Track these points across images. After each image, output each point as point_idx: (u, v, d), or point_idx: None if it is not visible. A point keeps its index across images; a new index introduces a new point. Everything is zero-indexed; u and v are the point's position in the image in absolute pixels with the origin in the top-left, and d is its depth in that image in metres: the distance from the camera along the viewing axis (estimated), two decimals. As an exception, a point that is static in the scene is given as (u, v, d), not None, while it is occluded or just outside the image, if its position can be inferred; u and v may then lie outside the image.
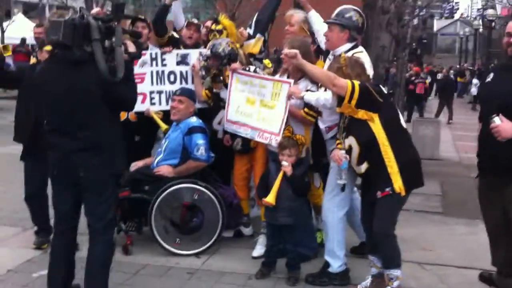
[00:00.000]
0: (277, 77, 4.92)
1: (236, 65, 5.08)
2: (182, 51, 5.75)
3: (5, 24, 16.89)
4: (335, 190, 4.38)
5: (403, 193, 3.97)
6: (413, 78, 18.71)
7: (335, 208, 4.42)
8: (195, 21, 6.11)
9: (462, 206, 6.91)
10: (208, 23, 6.22)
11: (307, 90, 4.59)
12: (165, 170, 4.97)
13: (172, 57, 5.67)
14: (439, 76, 24.92)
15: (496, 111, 3.76)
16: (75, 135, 3.65)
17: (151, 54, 5.64)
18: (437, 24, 52.43)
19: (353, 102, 3.92)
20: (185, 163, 5.04)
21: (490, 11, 29.76)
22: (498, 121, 3.71)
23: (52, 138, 3.76)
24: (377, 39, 6.91)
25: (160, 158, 5.11)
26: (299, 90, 4.53)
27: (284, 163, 4.41)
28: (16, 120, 5.24)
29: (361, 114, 3.97)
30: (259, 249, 5.01)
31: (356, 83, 3.95)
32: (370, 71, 4.44)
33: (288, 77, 4.79)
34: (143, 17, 6.09)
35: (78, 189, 3.77)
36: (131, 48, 3.78)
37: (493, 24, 31.44)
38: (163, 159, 5.10)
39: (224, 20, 5.87)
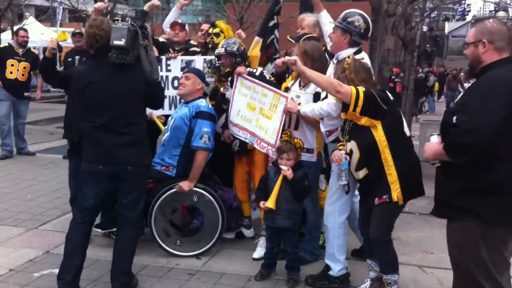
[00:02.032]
0: (296, 83, 4.86)
1: (241, 69, 5.10)
2: (187, 57, 5.80)
3: (16, 27, 17.03)
4: (336, 194, 4.39)
5: (400, 202, 3.93)
6: (393, 77, 19.51)
7: (336, 212, 4.42)
8: (179, 20, 6.15)
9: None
10: (204, 26, 6.29)
11: (316, 92, 4.60)
12: (185, 186, 4.85)
13: (176, 62, 5.73)
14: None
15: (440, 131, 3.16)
16: (122, 132, 3.98)
17: None
18: (448, 26, 52.01)
19: (358, 109, 3.89)
20: (187, 158, 4.95)
21: (501, 13, 29.54)
22: (433, 139, 3.13)
23: (98, 135, 4.01)
24: (383, 42, 6.88)
25: (167, 136, 5.05)
26: (295, 105, 4.52)
27: (284, 167, 4.41)
28: (68, 117, 5.48)
29: (364, 121, 3.94)
30: (259, 251, 5.02)
31: (361, 89, 3.91)
32: None
33: (300, 81, 4.79)
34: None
35: (114, 184, 4.08)
36: (156, 52, 4.13)
37: (504, 26, 31.24)
38: (169, 137, 5.02)
39: (221, 23, 5.96)
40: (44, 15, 27.74)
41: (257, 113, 4.89)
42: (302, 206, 4.64)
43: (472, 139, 2.80)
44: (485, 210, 2.94)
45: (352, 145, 4.05)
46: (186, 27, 6.13)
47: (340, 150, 4.14)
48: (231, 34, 5.87)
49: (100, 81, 3.98)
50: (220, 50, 5.27)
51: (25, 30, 9.92)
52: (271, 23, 5.68)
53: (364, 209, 4.22)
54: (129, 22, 3.99)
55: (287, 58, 4.37)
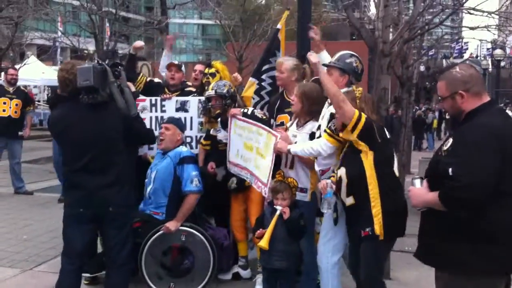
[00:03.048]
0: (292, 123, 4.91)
1: (235, 110, 5.13)
2: (182, 98, 5.85)
3: (17, 66, 17.29)
4: (329, 234, 4.35)
5: (381, 237, 3.86)
6: None
7: (329, 252, 4.37)
8: (176, 62, 6.24)
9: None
10: (198, 66, 6.36)
11: (312, 132, 4.62)
12: (171, 226, 4.82)
13: (171, 103, 5.77)
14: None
15: (426, 175, 3.15)
16: (102, 173, 3.92)
17: (150, 100, 5.75)
18: (446, 64, 52.59)
19: (356, 132, 3.89)
20: (176, 201, 4.93)
21: (498, 51, 29.88)
22: (418, 184, 3.10)
23: (77, 178, 3.96)
24: (378, 81, 6.92)
25: (151, 189, 5.00)
26: (285, 144, 4.49)
27: (278, 207, 4.39)
28: None
29: (363, 146, 3.92)
30: None
31: (364, 115, 3.93)
32: None
33: (297, 121, 4.81)
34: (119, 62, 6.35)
35: (97, 226, 4.04)
36: (132, 88, 4.15)
37: (502, 63, 31.58)
38: (154, 189, 4.99)
39: (217, 63, 6.02)
40: (45, 54, 28.08)
41: (254, 153, 4.91)
42: (298, 248, 4.59)
43: (472, 194, 2.79)
44: (475, 260, 2.91)
45: (342, 171, 4.05)
46: (183, 68, 6.20)
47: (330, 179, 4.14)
48: (226, 74, 5.92)
49: (76, 124, 3.95)
50: (210, 92, 5.31)
51: (15, 69, 10.06)
52: (266, 67, 5.75)
53: (353, 246, 4.18)
54: (96, 61, 4.03)
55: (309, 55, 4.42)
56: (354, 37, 31.89)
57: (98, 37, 18.63)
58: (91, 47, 22.66)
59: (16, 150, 9.53)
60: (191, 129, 5.72)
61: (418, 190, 3.06)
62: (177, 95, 5.94)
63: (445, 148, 2.98)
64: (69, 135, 3.98)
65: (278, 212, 4.38)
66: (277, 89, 5.62)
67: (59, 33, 23.71)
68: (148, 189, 5.04)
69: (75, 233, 4.03)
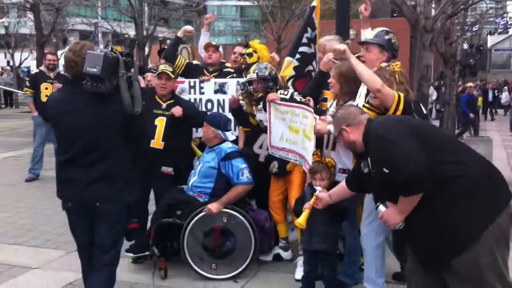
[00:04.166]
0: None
1: (273, 96, 5.08)
2: (220, 80, 5.84)
3: (59, 52, 17.64)
4: (372, 215, 4.28)
5: None
6: None
7: (372, 234, 4.32)
8: (213, 42, 6.24)
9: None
10: (238, 48, 6.31)
11: None
12: (213, 208, 4.86)
13: (210, 85, 5.78)
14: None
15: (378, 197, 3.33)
16: (91, 166, 3.64)
17: (189, 82, 5.75)
18: (491, 40, 51.12)
19: (398, 113, 3.83)
20: (222, 187, 4.99)
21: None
22: (382, 208, 3.22)
23: (66, 170, 3.72)
24: (421, 58, 6.77)
25: (195, 181, 5.10)
26: (324, 125, 4.43)
27: (318, 188, 4.34)
28: None
29: None
30: (300, 271, 4.92)
31: (402, 94, 3.87)
32: None
33: (336, 101, 4.75)
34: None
35: (93, 219, 3.75)
36: (142, 83, 3.83)
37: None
38: (198, 181, 5.08)
39: (255, 43, 5.93)
40: (87, 39, 28.53)
41: (301, 135, 4.87)
42: (340, 229, 4.54)
43: (413, 171, 2.87)
44: (480, 216, 2.95)
45: None
46: (220, 48, 6.17)
47: None
48: (265, 53, 5.84)
49: (74, 111, 3.66)
50: (251, 75, 5.22)
51: (53, 54, 10.23)
52: (308, 50, 5.63)
53: (395, 230, 4.10)
54: (110, 49, 3.71)
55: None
56: (395, 14, 31.22)
57: (137, 21, 18.82)
58: (131, 32, 22.87)
59: None
60: (229, 110, 5.70)
61: (389, 210, 3.18)
62: (215, 76, 5.93)
63: (370, 167, 3.19)
64: (64, 122, 3.69)
65: (317, 192, 4.32)
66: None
67: (100, 18, 24.06)
68: (192, 180, 5.10)
69: (75, 226, 3.85)
